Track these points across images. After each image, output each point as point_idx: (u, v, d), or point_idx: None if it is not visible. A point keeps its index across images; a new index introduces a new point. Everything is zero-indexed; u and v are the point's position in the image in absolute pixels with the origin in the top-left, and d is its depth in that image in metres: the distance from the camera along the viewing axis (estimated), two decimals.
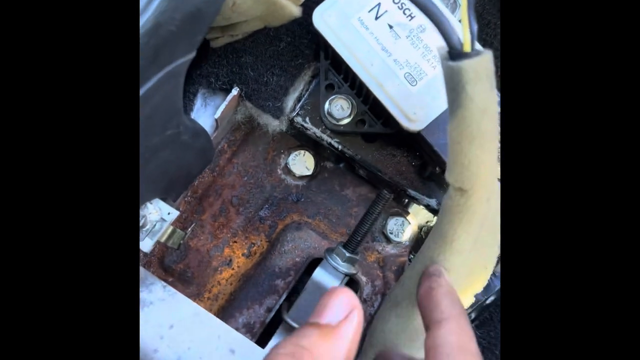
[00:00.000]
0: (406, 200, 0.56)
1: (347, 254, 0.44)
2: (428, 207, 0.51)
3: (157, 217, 0.44)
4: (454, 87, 0.33)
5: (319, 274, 0.43)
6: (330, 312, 0.31)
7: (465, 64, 0.32)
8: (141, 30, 0.27)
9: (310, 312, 0.42)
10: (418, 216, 0.55)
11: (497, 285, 0.50)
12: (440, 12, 0.33)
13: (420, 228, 0.55)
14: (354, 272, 0.44)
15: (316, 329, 0.30)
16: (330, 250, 0.45)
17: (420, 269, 0.37)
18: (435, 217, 0.54)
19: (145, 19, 0.27)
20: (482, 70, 0.32)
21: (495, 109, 0.33)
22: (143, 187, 0.40)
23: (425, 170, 0.50)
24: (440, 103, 0.43)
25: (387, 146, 0.50)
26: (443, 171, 0.40)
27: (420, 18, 0.44)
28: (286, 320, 0.44)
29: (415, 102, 0.43)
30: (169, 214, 0.44)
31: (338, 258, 0.44)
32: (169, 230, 0.45)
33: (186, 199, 0.54)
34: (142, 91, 0.30)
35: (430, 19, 0.34)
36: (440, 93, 0.43)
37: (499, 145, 0.33)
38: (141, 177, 0.38)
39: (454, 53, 0.33)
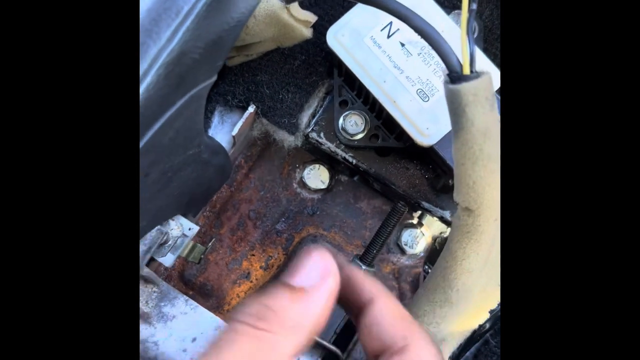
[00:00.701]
0: (420, 212, 0.57)
1: (364, 267, 0.45)
2: (442, 219, 0.52)
3: (179, 233, 0.46)
4: (455, 109, 0.34)
5: None
6: (305, 275, 0.29)
7: (464, 86, 0.33)
8: (167, 59, 0.28)
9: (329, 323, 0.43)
10: (432, 227, 0.56)
11: None
12: (438, 34, 0.35)
13: (434, 239, 0.56)
14: None
15: (287, 291, 0.29)
16: None
17: (433, 288, 0.38)
18: (449, 229, 0.55)
19: (170, 48, 0.28)
20: (481, 93, 0.33)
21: (497, 130, 0.34)
22: (165, 205, 0.41)
23: (439, 182, 0.51)
24: None
25: (401, 159, 0.51)
26: None
27: None
28: None
29: (427, 118, 0.44)
30: (190, 229, 0.46)
31: None
32: (190, 245, 0.46)
33: (205, 213, 0.56)
34: (166, 116, 0.31)
35: (429, 42, 0.35)
36: None
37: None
38: (164, 196, 0.39)
39: (454, 76, 0.34)
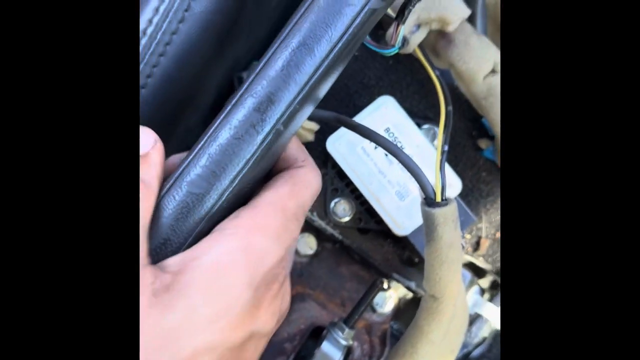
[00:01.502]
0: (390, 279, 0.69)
1: (347, 329, 0.56)
2: (407, 288, 0.64)
3: None
4: (429, 226, 0.46)
5: (326, 346, 0.55)
6: (140, 144, 0.37)
7: (436, 211, 0.45)
8: (229, 196, 0.38)
9: None
10: (398, 290, 0.68)
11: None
12: (417, 167, 0.46)
13: (400, 299, 0.68)
14: (352, 343, 0.56)
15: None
16: (333, 325, 0.57)
17: (402, 353, 0.50)
18: (411, 294, 0.67)
19: (231, 189, 0.38)
20: (449, 216, 0.45)
21: (459, 242, 0.46)
22: None
23: (404, 255, 0.63)
24: None
25: (378, 238, 0.62)
26: (421, 260, 0.53)
27: (409, 149, 0.57)
28: None
29: (403, 214, 0.56)
30: None
31: (340, 332, 0.56)
32: None
33: None
34: None
35: (410, 173, 0.46)
36: None
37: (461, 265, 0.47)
38: None
39: (429, 201, 0.46)
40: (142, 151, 0.37)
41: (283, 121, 0.40)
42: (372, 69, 0.62)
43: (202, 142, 0.39)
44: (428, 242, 0.47)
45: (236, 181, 0.39)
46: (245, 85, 0.39)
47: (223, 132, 0.39)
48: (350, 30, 0.39)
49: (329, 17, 0.38)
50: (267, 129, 0.39)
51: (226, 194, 0.39)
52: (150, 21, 0.46)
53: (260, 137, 0.39)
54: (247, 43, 0.61)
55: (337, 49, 0.39)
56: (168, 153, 0.55)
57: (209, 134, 0.39)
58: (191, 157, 0.39)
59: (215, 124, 0.39)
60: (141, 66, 0.47)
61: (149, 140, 0.37)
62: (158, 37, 0.47)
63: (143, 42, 0.47)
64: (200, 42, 0.50)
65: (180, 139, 0.59)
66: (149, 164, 0.37)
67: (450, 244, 0.45)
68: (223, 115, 0.39)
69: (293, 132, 0.44)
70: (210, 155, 0.39)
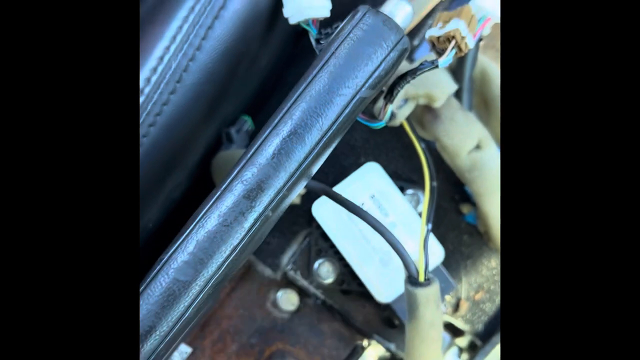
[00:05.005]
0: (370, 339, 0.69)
1: None
2: (387, 349, 0.64)
3: (178, 357, 0.56)
4: (411, 305, 0.46)
5: None
6: None
7: (419, 291, 0.46)
8: (215, 282, 0.39)
9: None
10: (377, 349, 0.68)
11: None
12: (401, 246, 0.47)
13: (379, 358, 0.68)
14: None
15: None
16: None
17: None
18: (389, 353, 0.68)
19: (217, 275, 0.39)
20: (431, 296, 0.46)
21: (440, 321, 0.47)
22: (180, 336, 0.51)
23: (383, 314, 0.64)
24: None
25: (360, 299, 0.63)
26: (402, 323, 0.54)
27: (393, 216, 0.58)
28: None
29: (386, 281, 0.57)
30: (185, 352, 0.56)
31: None
32: None
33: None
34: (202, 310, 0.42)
35: (394, 251, 0.47)
36: None
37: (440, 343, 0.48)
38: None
39: (412, 280, 0.47)
40: None
41: (272, 207, 0.40)
42: (359, 132, 0.63)
43: (190, 228, 0.39)
44: (410, 319, 0.47)
45: (223, 268, 0.39)
46: (235, 171, 0.40)
47: (211, 219, 0.39)
48: (341, 118, 0.39)
49: (320, 106, 0.39)
50: (255, 215, 0.40)
51: (212, 281, 0.39)
52: (141, 92, 0.47)
53: (248, 224, 0.40)
54: (235, 101, 0.62)
55: (327, 136, 0.40)
56: (154, 209, 0.55)
57: (197, 220, 0.39)
58: (179, 242, 0.39)
59: (204, 209, 0.39)
60: None
61: None
62: (148, 108, 0.47)
63: None
64: (191, 111, 0.50)
65: (166, 194, 0.59)
66: None
67: (431, 322, 0.46)
68: (212, 200, 0.39)
69: (280, 214, 0.45)
70: (198, 242, 0.39)
